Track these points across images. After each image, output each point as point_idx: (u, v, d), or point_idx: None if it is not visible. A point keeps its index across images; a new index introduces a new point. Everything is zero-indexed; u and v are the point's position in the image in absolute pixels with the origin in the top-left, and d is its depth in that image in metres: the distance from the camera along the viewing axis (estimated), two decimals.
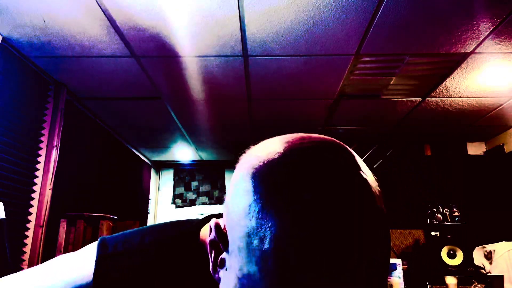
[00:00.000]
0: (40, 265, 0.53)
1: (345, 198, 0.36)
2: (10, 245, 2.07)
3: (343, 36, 2.23)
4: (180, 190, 5.47)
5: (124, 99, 3.15)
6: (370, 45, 2.31)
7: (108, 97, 3.10)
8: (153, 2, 1.93)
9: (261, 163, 0.40)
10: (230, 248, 0.41)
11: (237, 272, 0.39)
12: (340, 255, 0.33)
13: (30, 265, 2.39)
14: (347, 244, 0.34)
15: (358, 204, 0.36)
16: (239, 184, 0.41)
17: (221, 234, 0.42)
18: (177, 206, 5.42)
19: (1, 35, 2.18)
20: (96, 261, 0.49)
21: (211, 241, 0.44)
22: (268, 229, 0.35)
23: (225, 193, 5.42)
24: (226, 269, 0.41)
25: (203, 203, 5.41)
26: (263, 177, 0.39)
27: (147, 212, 5.15)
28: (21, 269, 2.36)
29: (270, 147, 0.42)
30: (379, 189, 0.40)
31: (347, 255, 0.33)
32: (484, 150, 4.30)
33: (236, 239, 0.39)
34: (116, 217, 3.13)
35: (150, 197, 5.25)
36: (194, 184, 5.48)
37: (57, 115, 2.70)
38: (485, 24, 2.12)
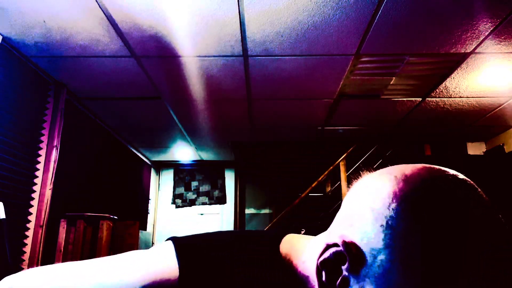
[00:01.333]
0: (115, 257, 0.51)
1: (492, 236, 0.39)
2: (10, 245, 2.07)
3: (343, 36, 2.23)
4: (180, 190, 5.47)
5: (124, 99, 3.15)
6: (370, 45, 2.31)
7: (108, 97, 3.10)
8: (153, 2, 1.93)
9: (412, 186, 0.41)
10: (366, 269, 0.40)
11: None
12: None
13: (30, 265, 2.39)
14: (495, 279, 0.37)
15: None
16: (383, 206, 0.41)
17: (353, 254, 0.41)
18: (177, 206, 5.42)
19: (1, 35, 2.18)
20: (177, 257, 0.49)
21: (326, 259, 0.43)
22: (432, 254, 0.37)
23: (225, 193, 5.42)
24: None
25: (203, 203, 5.41)
26: (421, 200, 0.40)
27: (147, 212, 5.15)
28: (21, 269, 2.36)
29: (413, 169, 0.43)
30: None
31: None
32: (484, 150, 4.30)
33: (382, 260, 0.39)
34: (116, 217, 3.13)
35: (150, 197, 5.25)
36: (194, 184, 5.48)
37: (57, 115, 2.70)
38: (485, 24, 2.12)
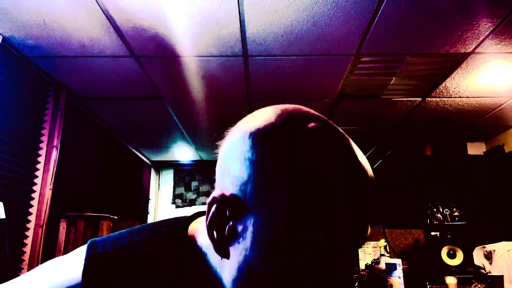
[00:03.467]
0: (29, 272, 0.52)
1: (344, 153, 0.43)
2: (10, 245, 2.07)
3: (343, 36, 2.23)
4: (180, 190, 5.47)
5: (124, 99, 3.15)
6: (370, 45, 2.31)
7: (108, 97, 3.10)
8: (153, 2, 1.93)
9: (262, 120, 0.46)
10: (242, 207, 0.42)
11: (270, 225, 0.40)
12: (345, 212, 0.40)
13: (30, 265, 2.39)
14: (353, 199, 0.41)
15: (355, 165, 0.42)
16: (241, 144, 0.45)
17: (228, 199, 0.43)
18: (177, 206, 5.42)
19: (1, 35, 2.18)
20: (85, 260, 0.49)
21: (212, 217, 0.44)
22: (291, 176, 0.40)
23: None
24: (241, 236, 0.42)
25: (203, 203, 5.40)
26: (262, 135, 0.44)
27: (147, 212, 5.15)
28: (21, 269, 2.36)
29: (268, 108, 0.49)
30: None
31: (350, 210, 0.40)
32: (484, 150, 4.30)
33: (250, 191, 0.42)
34: (116, 217, 3.13)
35: (150, 197, 5.25)
36: (194, 184, 5.48)
37: (57, 115, 2.70)
38: (485, 24, 2.12)
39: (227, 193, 0.44)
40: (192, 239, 0.52)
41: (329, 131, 0.43)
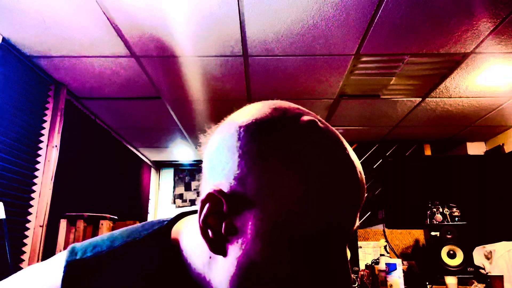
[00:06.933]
0: (7, 278, 0.51)
1: (340, 148, 0.44)
2: (10, 245, 2.07)
3: (343, 36, 2.23)
4: (180, 190, 5.47)
5: (124, 99, 3.15)
6: (370, 45, 2.31)
7: (108, 97, 3.10)
8: (153, 2, 1.93)
9: (254, 115, 0.46)
10: (242, 200, 0.41)
11: (273, 217, 0.40)
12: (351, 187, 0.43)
13: (30, 265, 2.39)
14: (354, 175, 0.43)
15: (347, 151, 0.45)
16: (235, 138, 0.44)
17: (226, 194, 0.42)
18: (177, 206, 5.42)
19: (1, 35, 2.18)
20: (64, 267, 0.47)
21: (207, 215, 0.42)
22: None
23: None
24: (241, 231, 0.41)
25: None
26: (261, 128, 0.44)
27: (147, 212, 5.15)
28: (21, 269, 2.36)
29: (252, 105, 0.49)
30: None
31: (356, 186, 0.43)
32: (484, 150, 4.30)
33: (251, 183, 0.41)
34: (116, 217, 3.13)
35: (150, 197, 5.25)
36: (194, 184, 5.48)
37: (57, 115, 2.70)
38: (485, 24, 2.12)
39: (225, 189, 0.43)
40: (176, 243, 0.50)
41: (322, 125, 0.45)
